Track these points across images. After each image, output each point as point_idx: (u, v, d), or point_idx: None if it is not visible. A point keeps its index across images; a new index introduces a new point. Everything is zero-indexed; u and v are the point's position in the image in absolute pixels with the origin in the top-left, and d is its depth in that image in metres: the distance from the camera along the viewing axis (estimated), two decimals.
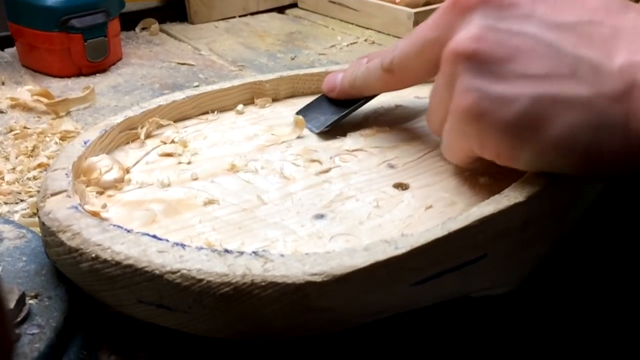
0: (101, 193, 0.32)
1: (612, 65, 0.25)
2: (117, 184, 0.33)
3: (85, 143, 0.34)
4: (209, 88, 0.42)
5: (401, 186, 0.33)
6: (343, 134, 0.39)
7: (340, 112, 0.39)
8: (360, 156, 0.36)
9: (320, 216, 0.31)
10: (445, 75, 0.28)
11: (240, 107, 0.42)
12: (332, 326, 0.26)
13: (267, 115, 0.42)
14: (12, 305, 0.25)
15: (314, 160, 0.36)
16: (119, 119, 0.37)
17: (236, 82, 0.43)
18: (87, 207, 0.30)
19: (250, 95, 0.43)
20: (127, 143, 0.37)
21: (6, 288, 0.25)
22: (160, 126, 0.39)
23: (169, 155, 0.36)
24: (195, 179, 0.34)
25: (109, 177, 0.33)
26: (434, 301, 0.28)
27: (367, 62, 0.36)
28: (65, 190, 0.29)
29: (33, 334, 0.25)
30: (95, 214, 0.30)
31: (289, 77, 0.44)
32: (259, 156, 0.36)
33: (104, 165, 0.33)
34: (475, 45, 0.27)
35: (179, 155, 0.36)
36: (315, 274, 0.24)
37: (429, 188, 0.33)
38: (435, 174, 0.34)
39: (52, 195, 0.29)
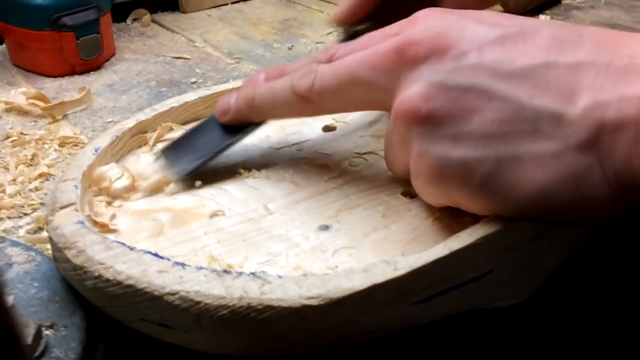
0: (110, 203, 0.32)
1: (574, 112, 0.23)
2: (126, 194, 0.33)
3: (96, 151, 0.34)
4: (221, 87, 0.42)
5: (409, 194, 0.33)
6: (354, 134, 0.38)
7: (217, 147, 0.34)
8: (371, 160, 0.36)
9: (325, 227, 0.30)
10: (399, 134, 0.27)
11: None
12: (332, 345, 0.26)
13: None
14: (29, 340, 0.24)
15: (323, 165, 0.35)
16: (130, 123, 0.37)
17: None
18: (97, 218, 0.30)
19: None
20: (140, 147, 0.38)
21: (22, 322, 0.25)
22: (172, 129, 0.39)
23: None
24: (205, 185, 0.34)
25: (118, 185, 0.33)
26: (438, 317, 0.28)
27: (266, 81, 0.33)
28: (73, 204, 0.30)
29: None
30: (104, 226, 0.30)
31: None
32: (268, 160, 0.36)
33: (114, 174, 0.33)
34: (428, 105, 0.25)
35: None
36: (312, 297, 0.24)
37: None
38: None
39: (61, 208, 0.30)
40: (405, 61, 0.26)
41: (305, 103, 0.31)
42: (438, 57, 0.26)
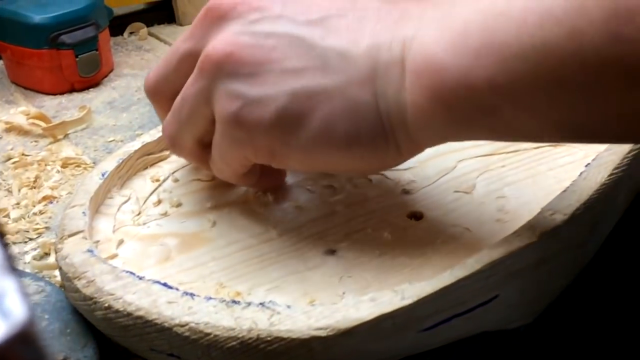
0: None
1: (357, 51, 0.26)
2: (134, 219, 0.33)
3: (103, 175, 0.34)
4: None
5: (415, 216, 0.33)
6: None
7: None
8: (375, 180, 0.36)
9: (332, 252, 0.31)
10: (203, 88, 0.28)
11: None
12: None
13: None
14: None
15: (328, 186, 0.35)
16: (136, 145, 0.37)
17: None
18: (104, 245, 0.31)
19: None
20: (145, 168, 0.38)
21: None
22: None
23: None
24: (212, 208, 0.34)
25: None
26: (445, 343, 0.28)
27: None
28: (82, 231, 0.30)
29: None
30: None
31: None
32: None
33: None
34: (230, 49, 0.27)
35: (200, 180, 0.36)
36: (320, 328, 0.24)
37: (443, 218, 0.32)
38: (451, 200, 0.34)
39: (69, 236, 0.30)
40: (211, 19, 0.29)
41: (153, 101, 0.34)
42: (243, 11, 0.28)
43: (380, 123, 0.26)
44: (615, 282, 0.35)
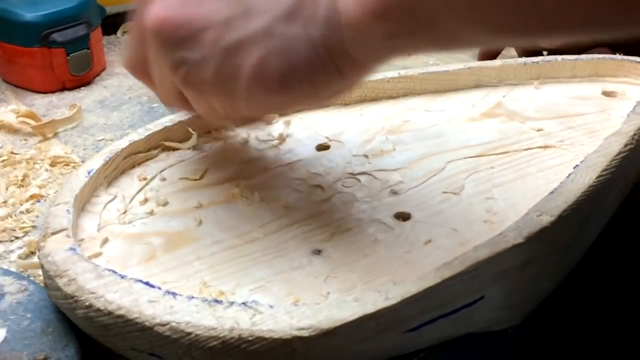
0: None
1: None
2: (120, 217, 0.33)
3: (89, 173, 0.34)
4: None
5: (402, 216, 0.33)
6: (348, 154, 0.38)
7: None
8: (364, 180, 0.36)
9: (318, 252, 0.30)
10: (153, 55, 0.30)
11: None
12: None
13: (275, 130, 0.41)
14: None
15: (316, 186, 0.35)
16: (123, 143, 0.37)
17: None
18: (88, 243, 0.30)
19: None
20: (133, 167, 0.38)
21: (14, 357, 0.25)
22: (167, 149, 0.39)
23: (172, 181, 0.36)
24: (199, 207, 0.34)
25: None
26: (431, 343, 0.28)
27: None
28: (65, 229, 0.30)
29: None
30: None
31: None
32: (262, 180, 0.36)
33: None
34: (163, 14, 0.28)
35: (188, 178, 0.36)
36: (303, 328, 0.24)
37: (431, 219, 0.32)
38: (439, 201, 0.34)
39: (52, 234, 0.30)
40: None
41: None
42: None
43: (314, 51, 0.26)
44: (606, 283, 0.35)
